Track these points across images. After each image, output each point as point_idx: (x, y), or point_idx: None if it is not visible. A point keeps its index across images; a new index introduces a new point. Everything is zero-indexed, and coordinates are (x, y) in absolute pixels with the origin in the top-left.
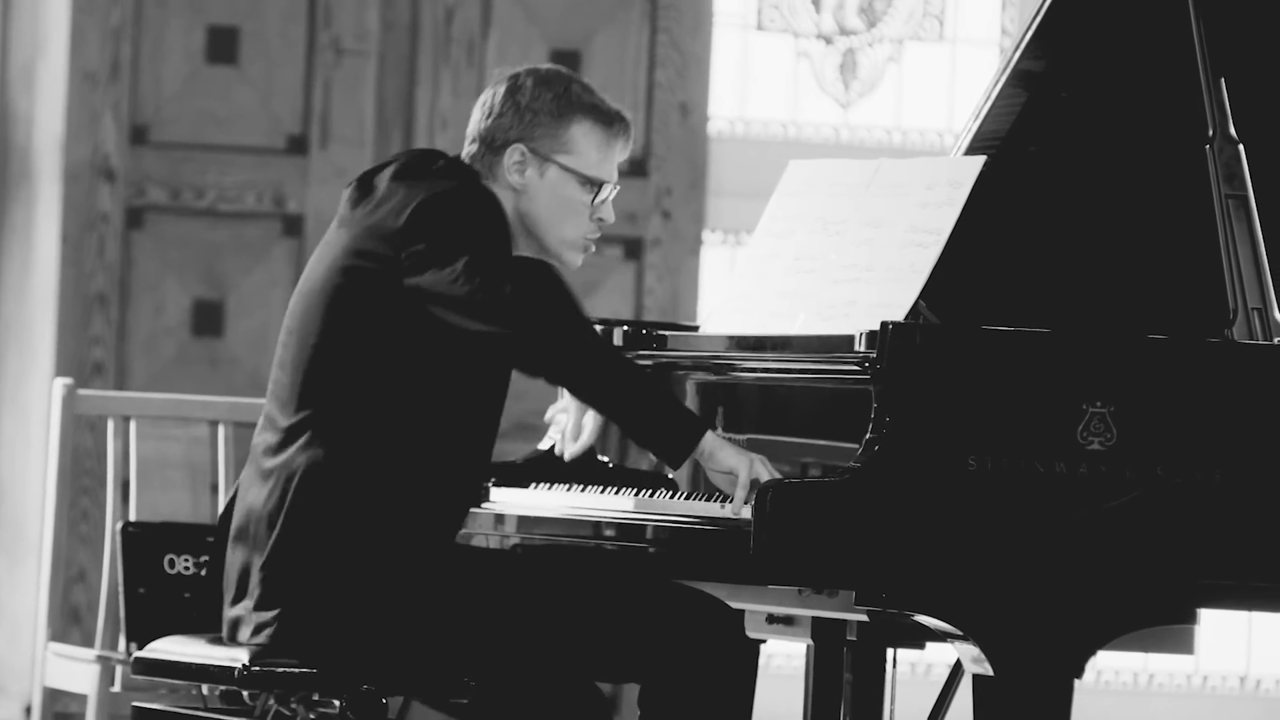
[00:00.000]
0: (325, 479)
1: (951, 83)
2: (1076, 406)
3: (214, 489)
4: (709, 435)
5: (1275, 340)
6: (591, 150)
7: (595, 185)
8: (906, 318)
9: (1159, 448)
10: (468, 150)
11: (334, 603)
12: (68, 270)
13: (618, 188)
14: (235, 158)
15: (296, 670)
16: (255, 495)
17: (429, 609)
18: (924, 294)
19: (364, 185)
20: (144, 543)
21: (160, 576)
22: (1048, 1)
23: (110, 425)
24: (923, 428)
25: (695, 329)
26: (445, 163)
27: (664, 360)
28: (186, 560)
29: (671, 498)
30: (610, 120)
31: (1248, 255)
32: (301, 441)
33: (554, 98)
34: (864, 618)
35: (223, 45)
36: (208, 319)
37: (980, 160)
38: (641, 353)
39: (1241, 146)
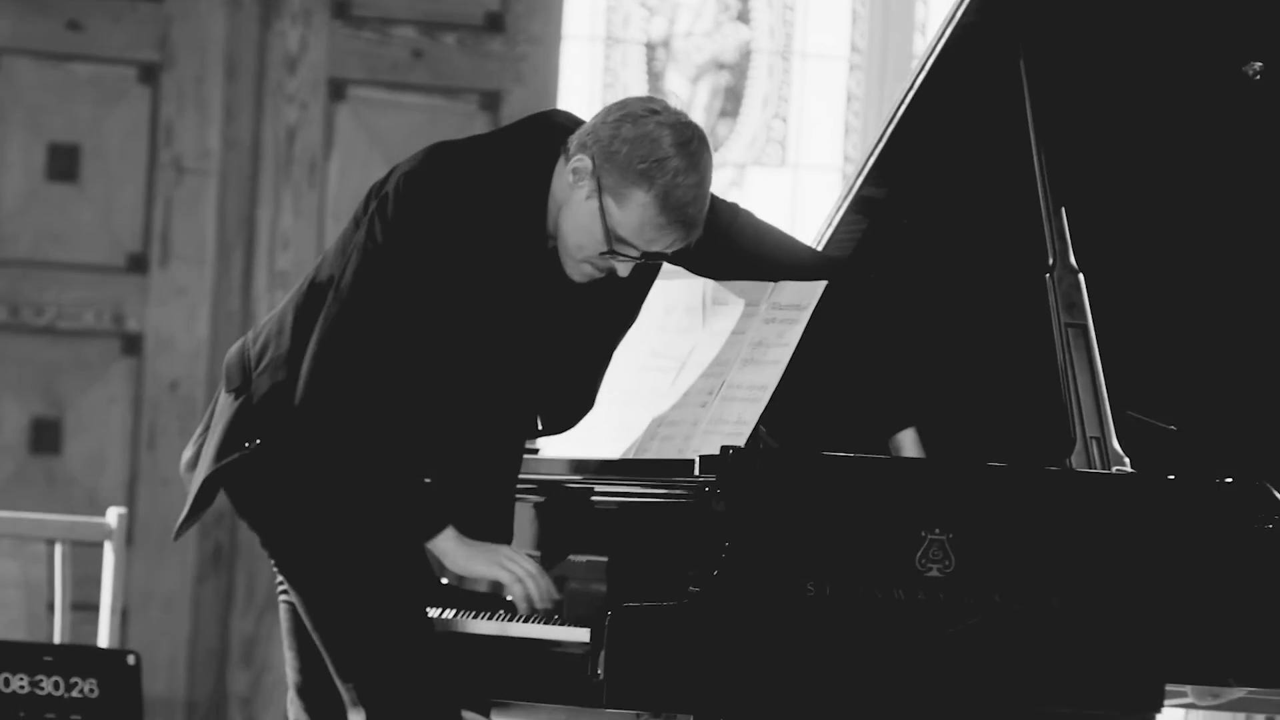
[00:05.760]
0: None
1: (793, 208)
2: (915, 533)
3: (50, 608)
4: (442, 538)
5: (1113, 469)
6: (634, 219)
7: (615, 243)
8: (747, 441)
9: (997, 575)
10: (587, 125)
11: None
12: None
13: (633, 262)
14: (75, 276)
15: None
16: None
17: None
18: (763, 419)
19: None
20: None
21: None
22: (889, 129)
23: None
24: (761, 553)
25: (535, 451)
26: (505, 131)
27: None
28: (21, 679)
29: (509, 620)
30: (671, 214)
31: (1087, 384)
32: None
33: (642, 159)
34: None
35: (63, 163)
36: (45, 437)
37: (821, 285)
38: None
39: (1081, 276)
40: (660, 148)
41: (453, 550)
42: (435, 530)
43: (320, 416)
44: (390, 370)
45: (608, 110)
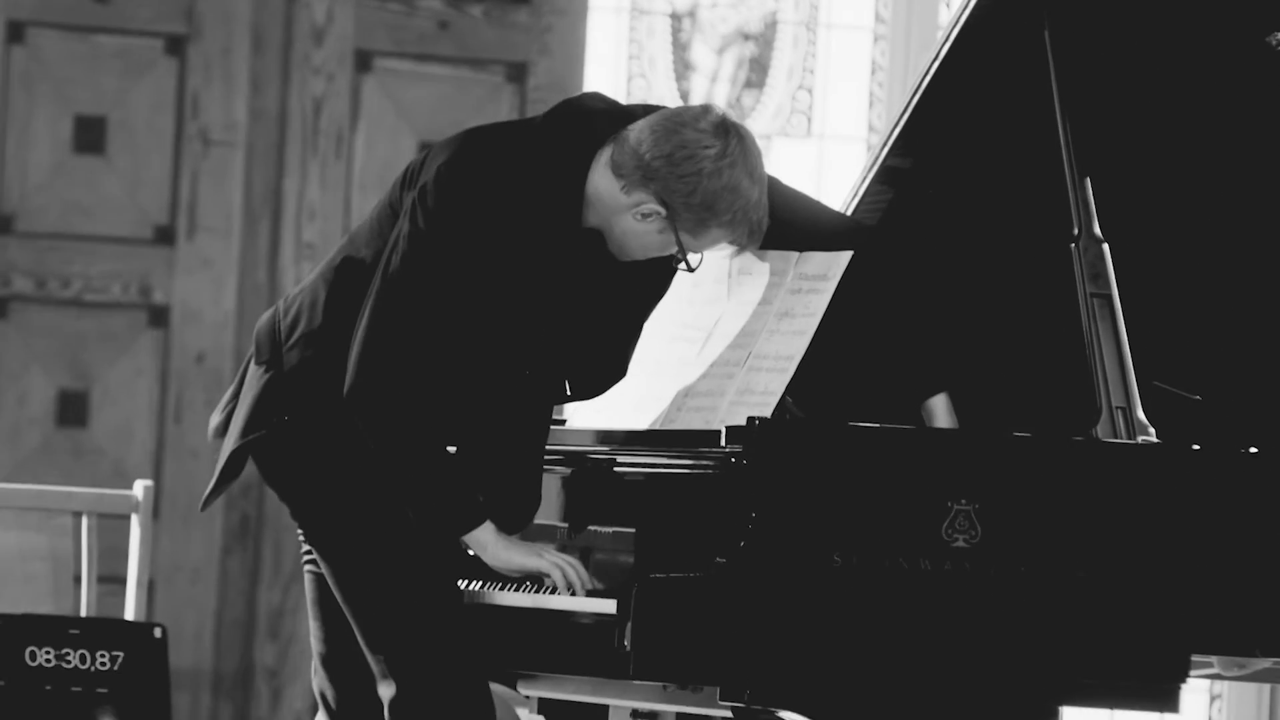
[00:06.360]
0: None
1: (819, 178)
2: (941, 504)
3: (77, 581)
4: (481, 531)
5: (1139, 439)
6: (708, 243)
7: (689, 256)
8: (773, 412)
9: (1023, 545)
10: (631, 139)
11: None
12: None
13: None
14: (102, 248)
15: None
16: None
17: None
18: (789, 389)
19: None
20: (5, 635)
21: (21, 669)
22: (914, 100)
23: None
24: (788, 524)
25: (562, 422)
26: (547, 124)
27: None
28: (48, 653)
29: (536, 591)
30: (750, 234)
31: (1112, 354)
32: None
33: (726, 209)
34: (729, 714)
35: (90, 135)
36: (72, 409)
37: (847, 255)
38: None
39: (1106, 245)
40: (741, 194)
41: (491, 544)
42: (474, 524)
43: (370, 403)
44: (437, 358)
45: (662, 144)
